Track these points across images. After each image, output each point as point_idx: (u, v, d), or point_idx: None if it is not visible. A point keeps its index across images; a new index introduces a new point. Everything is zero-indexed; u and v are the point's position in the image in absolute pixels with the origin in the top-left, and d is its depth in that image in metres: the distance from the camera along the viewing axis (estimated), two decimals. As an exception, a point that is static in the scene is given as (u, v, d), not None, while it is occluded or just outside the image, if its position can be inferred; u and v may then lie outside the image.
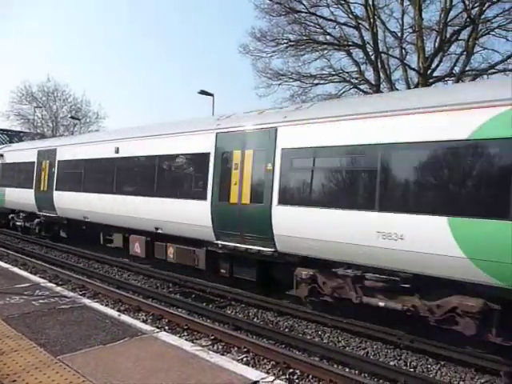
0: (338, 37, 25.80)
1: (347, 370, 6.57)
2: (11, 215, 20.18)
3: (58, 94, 49.10)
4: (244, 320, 8.70)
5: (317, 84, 27.30)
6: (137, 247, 12.75)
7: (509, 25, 22.26)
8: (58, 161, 16.55)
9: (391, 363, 6.92)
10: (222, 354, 6.56)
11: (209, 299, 10.30)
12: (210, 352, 5.59)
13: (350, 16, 25.14)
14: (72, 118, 46.44)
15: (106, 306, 8.90)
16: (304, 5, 25.24)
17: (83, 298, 8.10)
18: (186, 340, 6.62)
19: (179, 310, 9.35)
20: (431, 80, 23.43)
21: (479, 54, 23.56)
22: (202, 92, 26.74)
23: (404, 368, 6.76)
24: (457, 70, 23.18)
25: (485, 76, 22.38)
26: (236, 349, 7.23)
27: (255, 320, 8.91)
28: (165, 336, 5.99)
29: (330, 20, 25.57)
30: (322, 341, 7.84)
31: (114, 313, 7.12)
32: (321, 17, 25.59)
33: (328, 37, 26.04)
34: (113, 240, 14.17)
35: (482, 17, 22.09)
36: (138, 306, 9.33)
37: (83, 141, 16.53)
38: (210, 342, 7.47)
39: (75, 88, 66.30)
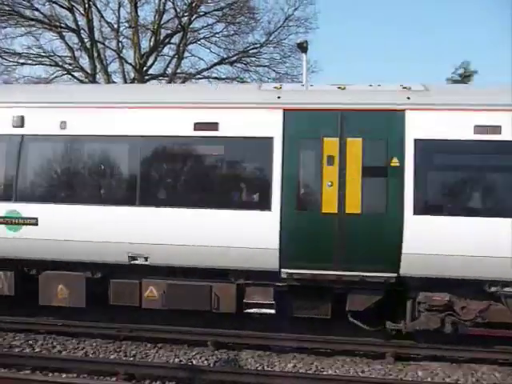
0: (49, 15, 23.43)
1: (64, 375, 6.17)
2: None
3: None
4: None
5: (23, 64, 24.12)
6: None
7: (212, 38, 25.39)
8: None
9: (112, 357, 6.93)
10: None
11: None
12: None
13: (63, -5, 23.27)
14: None
15: None
16: (5, -31, 21.84)
17: None
18: None
19: None
20: (147, 77, 24.33)
21: (188, 60, 25.93)
22: None
23: (124, 359, 6.88)
24: (170, 70, 24.87)
25: (193, 80, 24.89)
26: None
27: None
28: None
29: (39, -6, 22.97)
30: (33, 351, 7.12)
31: None
32: (26, -13, 22.67)
33: (37, 13, 23.30)
34: None
35: (191, 26, 24.39)
36: None
37: None
38: None
39: None
